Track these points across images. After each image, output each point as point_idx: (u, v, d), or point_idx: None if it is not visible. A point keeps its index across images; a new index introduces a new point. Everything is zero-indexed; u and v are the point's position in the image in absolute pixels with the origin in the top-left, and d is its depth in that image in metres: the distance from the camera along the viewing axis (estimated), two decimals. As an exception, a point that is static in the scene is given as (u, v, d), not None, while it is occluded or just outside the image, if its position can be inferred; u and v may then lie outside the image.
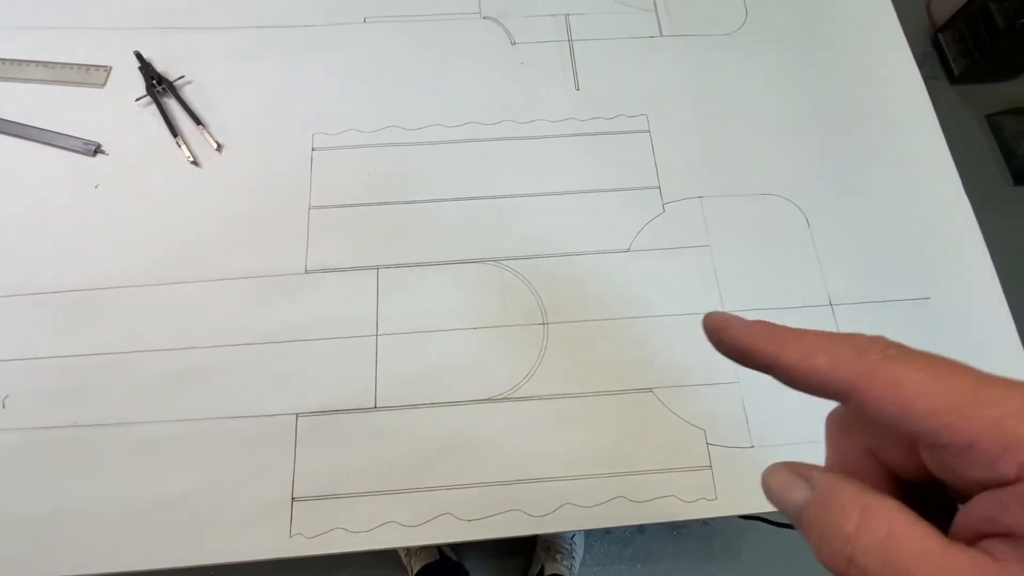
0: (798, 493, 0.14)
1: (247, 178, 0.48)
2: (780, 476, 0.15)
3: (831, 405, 0.44)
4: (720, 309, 0.43)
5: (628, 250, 0.47)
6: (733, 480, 0.41)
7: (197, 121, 0.49)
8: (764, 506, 0.40)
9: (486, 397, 0.42)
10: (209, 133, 0.49)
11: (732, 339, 0.16)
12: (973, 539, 0.12)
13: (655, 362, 0.44)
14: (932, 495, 0.14)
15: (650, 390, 0.43)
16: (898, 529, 0.12)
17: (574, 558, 0.99)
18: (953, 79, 1.43)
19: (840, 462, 0.16)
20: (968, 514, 0.12)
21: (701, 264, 0.46)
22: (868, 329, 0.41)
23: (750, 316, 0.43)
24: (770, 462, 0.41)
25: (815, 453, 0.41)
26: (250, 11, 0.54)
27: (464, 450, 0.41)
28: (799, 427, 0.42)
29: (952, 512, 0.13)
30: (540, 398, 0.42)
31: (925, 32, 1.48)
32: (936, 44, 1.47)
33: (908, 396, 0.12)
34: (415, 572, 0.94)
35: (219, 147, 0.49)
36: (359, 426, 0.41)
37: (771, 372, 0.15)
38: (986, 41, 1.35)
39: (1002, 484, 0.11)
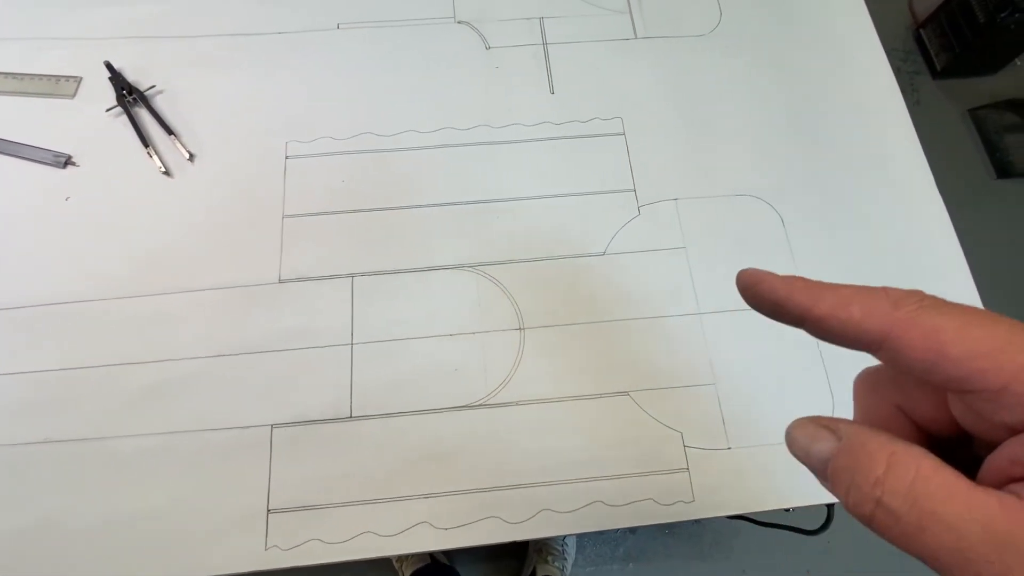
0: (825, 444, 0.14)
1: (220, 187, 0.48)
2: (806, 428, 0.15)
3: (812, 404, 0.44)
4: (696, 311, 0.43)
5: (604, 253, 0.47)
6: (710, 482, 0.41)
7: (169, 131, 0.49)
8: (741, 507, 0.40)
9: (463, 404, 0.42)
10: (181, 143, 0.49)
11: (767, 291, 0.16)
12: (1000, 483, 0.12)
13: (632, 365, 0.44)
14: (960, 450, 0.14)
15: (627, 393, 0.43)
16: (925, 472, 0.12)
17: (566, 559, 0.99)
18: (936, 74, 1.44)
19: (868, 420, 0.16)
20: (996, 459, 0.12)
21: (677, 266, 0.46)
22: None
23: (726, 317, 0.43)
24: (747, 464, 0.41)
25: (791, 455, 0.41)
26: (222, 19, 0.53)
27: (441, 458, 0.41)
28: (776, 428, 0.42)
29: (978, 467, 0.13)
30: (517, 404, 0.42)
31: (907, 28, 1.49)
32: (919, 39, 1.48)
33: (943, 342, 0.12)
34: (406, 577, 0.93)
35: (191, 157, 0.49)
36: (335, 436, 0.41)
37: (804, 325, 0.15)
38: (967, 36, 1.36)
39: None
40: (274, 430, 0.41)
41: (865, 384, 0.17)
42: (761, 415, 0.42)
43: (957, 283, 0.47)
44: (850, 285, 0.14)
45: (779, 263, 0.47)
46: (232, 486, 0.40)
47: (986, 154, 1.39)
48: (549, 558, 0.98)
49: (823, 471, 0.14)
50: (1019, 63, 1.48)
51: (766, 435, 0.42)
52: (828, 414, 0.41)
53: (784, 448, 0.41)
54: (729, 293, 0.46)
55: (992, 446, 0.13)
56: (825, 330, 0.14)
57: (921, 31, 1.47)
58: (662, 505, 0.40)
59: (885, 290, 0.14)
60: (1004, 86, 1.45)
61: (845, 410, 0.42)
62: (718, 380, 0.43)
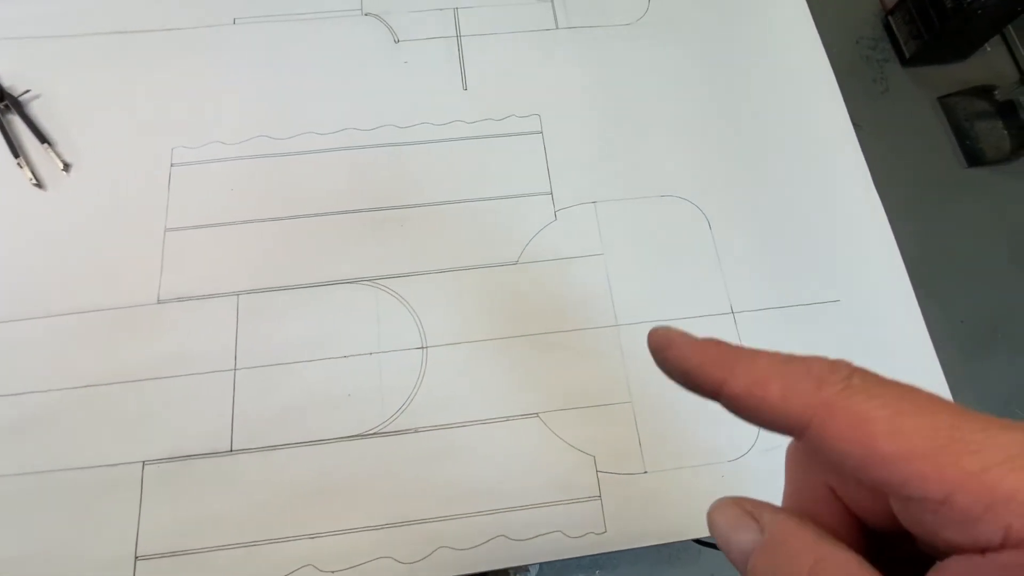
0: (746, 535, 0.13)
1: (96, 200, 0.44)
2: (727, 513, 0.14)
3: (734, 425, 0.41)
4: (614, 323, 0.40)
5: (516, 263, 0.43)
6: (624, 511, 0.38)
7: (43, 139, 0.45)
8: (658, 537, 0.37)
9: (355, 433, 0.39)
10: (56, 152, 0.45)
11: (675, 359, 0.14)
12: None
13: (542, 384, 0.40)
14: (902, 543, 0.13)
15: (536, 415, 0.39)
16: None
17: (528, 571, 0.96)
18: (905, 61, 1.41)
19: (797, 500, 0.15)
20: None
21: (594, 275, 0.43)
22: (772, 335, 0.38)
23: (645, 329, 0.40)
24: (665, 489, 0.38)
25: (712, 478, 0.38)
26: (105, 15, 0.49)
27: (329, 494, 0.37)
28: (696, 450, 0.39)
29: (926, 566, 0.11)
30: (415, 431, 0.39)
31: (876, 15, 1.47)
32: (887, 27, 1.45)
33: (872, 435, 0.10)
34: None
35: (66, 167, 0.44)
36: (213, 472, 0.37)
37: (718, 400, 0.13)
38: (935, 22, 1.33)
39: (983, 550, 0.09)
40: (146, 467, 0.37)
41: (795, 457, 0.15)
42: (681, 435, 0.39)
43: (894, 287, 0.44)
44: (772, 355, 0.13)
45: (705, 268, 0.43)
46: (96, 531, 0.36)
47: (956, 142, 1.37)
48: (511, 571, 0.95)
49: (743, 565, 0.13)
50: (989, 49, 1.45)
51: (685, 457, 0.39)
52: (753, 436, 0.37)
53: (705, 471, 0.38)
54: (649, 303, 0.42)
55: (941, 552, 0.11)
56: (741, 410, 0.13)
57: (890, 18, 1.44)
58: (571, 538, 0.37)
59: (809, 362, 0.12)
60: (974, 73, 1.42)
61: (767, 434, 0.39)
62: (635, 398, 0.40)
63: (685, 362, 0.14)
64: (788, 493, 0.15)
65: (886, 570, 0.11)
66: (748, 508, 0.13)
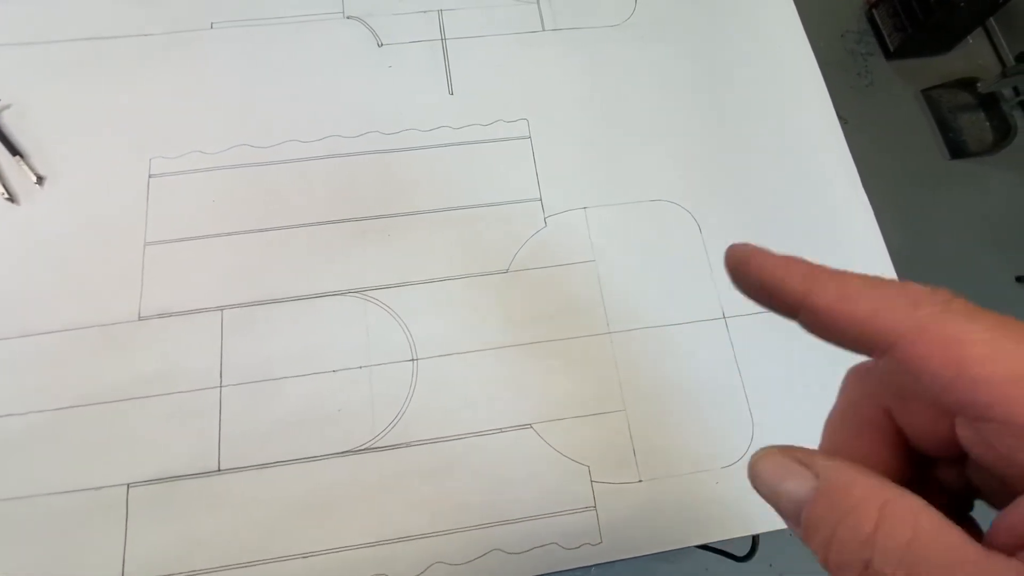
0: (799, 484, 0.12)
1: (72, 214, 0.42)
2: (775, 462, 0.13)
3: (729, 430, 0.41)
4: (606, 331, 0.40)
5: (507, 271, 0.43)
6: (620, 520, 0.37)
7: (14, 151, 0.43)
8: (653, 546, 0.37)
9: (346, 449, 0.38)
10: (28, 164, 0.43)
11: (757, 272, 0.14)
12: (1015, 546, 0.10)
13: (535, 394, 0.40)
14: (946, 470, 0.13)
15: (530, 426, 0.39)
16: (925, 532, 0.10)
17: None
18: (889, 54, 1.42)
19: (847, 419, 0.14)
20: (1011, 516, 0.10)
21: (586, 281, 0.43)
22: (764, 338, 0.38)
23: (637, 336, 0.40)
24: (659, 498, 0.38)
25: (706, 485, 0.38)
26: (77, 21, 0.47)
27: (321, 511, 0.37)
28: (690, 457, 0.39)
29: (968, 495, 0.12)
30: (408, 445, 0.38)
31: (860, 8, 1.47)
32: (871, 20, 1.46)
33: (965, 358, 0.10)
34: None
35: (40, 180, 0.43)
36: (201, 493, 0.37)
37: (798, 316, 0.13)
38: (918, 15, 1.34)
39: None
40: (131, 489, 0.36)
41: (857, 376, 0.15)
42: (674, 443, 0.39)
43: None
44: (861, 275, 0.13)
45: (696, 273, 0.43)
46: (80, 557, 0.35)
47: (940, 134, 1.38)
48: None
49: (795, 516, 0.12)
50: (971, 41, 1.47)
51: (679, 465, 0.39)
52: (747, 441, 0.37)
53: (700, 479, 0.37)
54: (641, 309, 0.42)
55: (997, 478, 0.11)
56: (822, 325, 0.13)
57: (874, 11, 1.44)
58: (567, 549, 0.37)
59: (904, 286, 0.12)
60: (956, 65, 1.43)
61: (766, 437, 0.39)
62: (628, 406, 0.40)
63: (767, 275, 0.14)
64: (838, 408, 0.15)
65: (927, 495, 0.11)
66: (798, 456, 0.13)
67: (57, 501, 0.36)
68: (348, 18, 0.49)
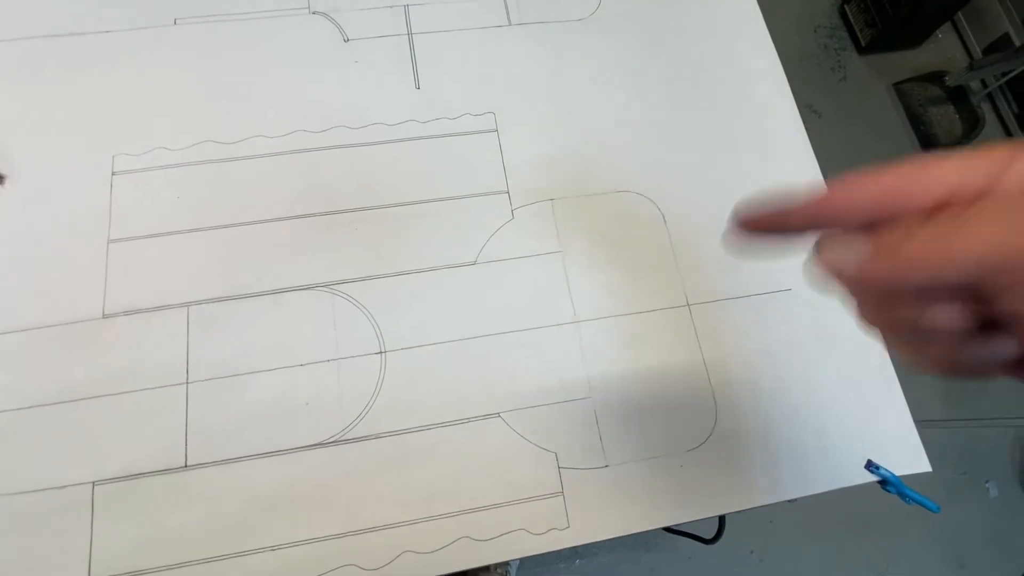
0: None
1: (34, 212, 0.42)
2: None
3: (695, 412, 0.42)
4: (573, 320, 0.40)
5: (475, 263, 0.43)
6: (587, 504, 0.38)
7: (-28, 149, 0.43)
8: (620, 529, 0.38)
9: (315, 442, 0.38)
10: (-13, 163, 0.43)
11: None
12: None
13: (503, 383, 0.40)
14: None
15: (497, 415, 0.40)
16: None
17: (509, 565, 0.97)
18: (861, 49, 1.45)
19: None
20: None
21: (552, 272, 0.43)
22: (726, 324, 0.39)
23: (603, 324, 0.40)
24: (626, 482, 0.38)
25: (670, 468, 0.38)
26: (36, 18, 0.47)
27: (289, 505, 0.37)
28: (655, 442, 0.40)
29: None
30: (376, 437, 0.38)
31: (832, 4, 1.50)
32: (843, 15, 1.48)
33: None
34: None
35: (1, 179, 0.42)
36: (167, 489, 0.36)
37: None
38: (888, 10, 1.36)
39: None
40: (96, 488, 0.36)
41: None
42: (640, 428, 0.40)
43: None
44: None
45: (660, 262, 0.44)
46: (46, 557, 0.35)
47: (911, 127, 1.41)
48: (491, 565, 0.95)
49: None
50: (940, 36, 1.50)
51: (645, 449, 0.39)
52: (710, 425, 0.38)
53: (665, 462, 0.38)
54: (606, 298, 0.43)
55: None
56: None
57: (845, 6, 1.47)
58: (534, 535, 0.37)
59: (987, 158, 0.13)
60: (927, 59, 1.47)
61: (729, 421, 0.40)
62: (594, 393, 0.40)
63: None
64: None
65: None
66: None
67: (22, 500, 0.36)
68: (314, 13, 0.49)
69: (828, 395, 0.41)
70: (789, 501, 0.40)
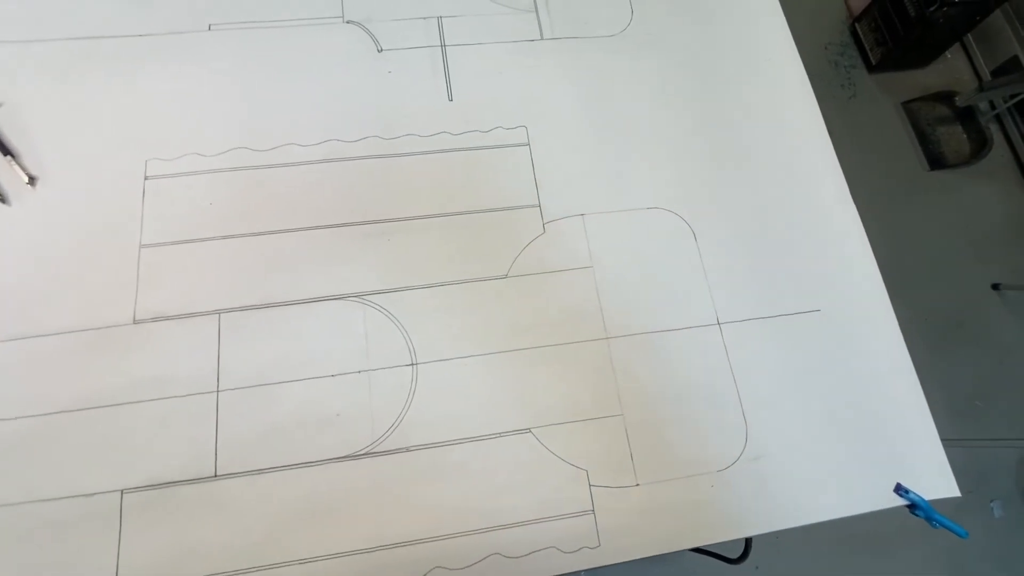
0: None
1: (66, 215, 0.42)
2: None
3: (723, 429, 0.41)
4: (604, 336, 0.40)
5: (506, 276, 0.43)
6: (617, 523, 0.38)
7: (5, 151, 0.43)
8: (649, 550, 0.38)
9: (345, 454, 0.38)
10: (20, 164, 0.42)
11: None
12: None
13: (535, 399, 0.40)
14: None
15: (529, 430, 0.39)
16: None
17: None
18: (871, 68, 1.46)
19: None
20: None
21: (584, 287, 0.43)
22: (757, 345, 0.39)
23: (634, 341, 0.40)
24: (656, 501, 0.38)
25: (701, 488, 0.38)
26: (72, 20, 0.47)
27: (318, 517, 0.36)
28: (685, 461, 0.39)
29: None
30: (407, 450, 0.38)
31: (844, 22, 1.51)
32: (854, 34, 1.50)
33: None
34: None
35: (32, 180, 0.42)
36: (196, 499, 0.36)
37: None
38: (899, 30, 1.38)
39: None
40: (124, 496, 0.36)
41: None
42: (670, 447, 0.40)
43: (872, 296, 0.45)
44: None
45: (691, 280, 0.44)
46: (73, 565, 0.34)
47: (919, 146, 1.42)
48: None
49: None
50: (949, 56, 1.51)
51: (675, 468, 0.39)
52: (741, 446, 0.38)
53: (695, 482, 0.38)
54: (638, 315, 0.43)
55: None
56: None
57: (856, 25, 1.48)
58: (565, 553, 0.37)
59: None
60: (935, 79, 1.48)
61: (759, 441, 0.40)
62: (626, 410, 0.40)
63: None
64: None
65: None
66: None
67: (50, 508, 0.35)
68: (347, 23, 0.49)
69: (858, 418, 0.41)
70: (815, 523, 0.40)
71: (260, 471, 0.37)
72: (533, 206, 0.45)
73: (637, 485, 0.39)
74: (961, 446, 1.16)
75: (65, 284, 0.40)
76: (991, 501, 1.18)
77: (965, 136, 1.43)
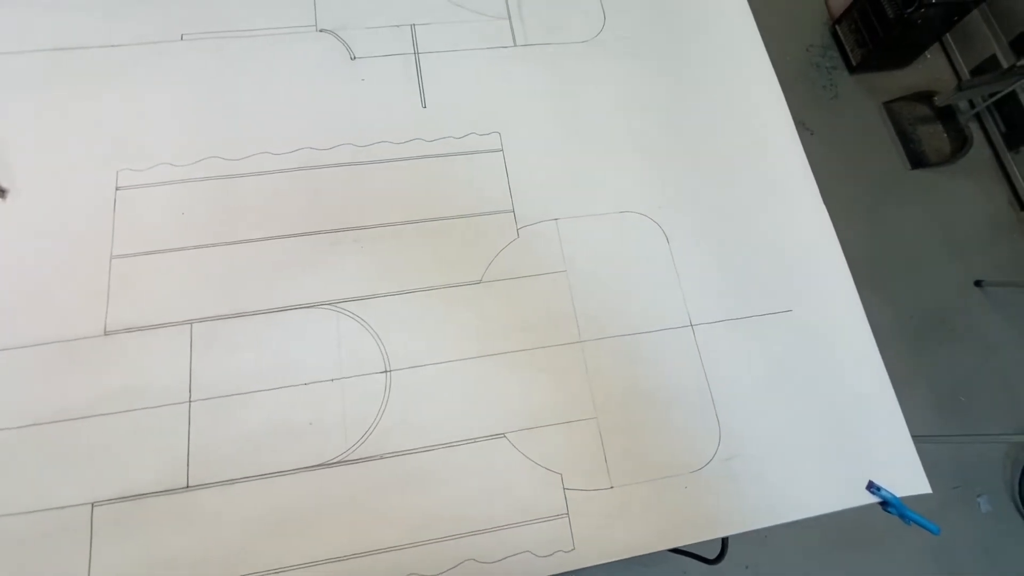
0: None
1: (36, 227, 0.41)
2: None
3: (698, 431, 0.41)
4: (578, 339, 0.40)
5: (480, 281, 0.43)
6: (592, 526, 0.38)
7: (-26, 163, 0.42)
8: (625, 551, 0.38)
9: (318, 463, 0.38)
10: (-11, 176, 0.42)
11: None
12: None
13: (509, 404, 0.40)
14: None
15: (503, 435, 0.39)
16: None
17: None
18: (852, 68, 1.48)
19: None
20: None
21: (558, 291, 0.43)
22: (729, 345, 0.39)
23: (607, 344, 0.40)
24: (630, 503, 0.39)
25: (675, 489, 0.38)
26: (42, 31, 0.47)
27: (292, 526, 0.36)
28: (659, 463, 0.40)
29: None
30: (380, 457, 0.38)
31: (824, 23, 1.53)
32: (835, 35, 1.51)
33: None
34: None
35: (2, 192, 0.42)
36: (168, 510, 0.36)
37: None
38: (879, 31, 1.39)
39: None
40: (95, 509, 0.36)
41: None
42: (644, 449, 0.40)
43: (843, 295, 0.46)
44: None
45: (664, 283, 0.44)
46: (41, 580, 0.34)
47: (901, 145, 1.44)
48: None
49: None
50: (929, 57, 1.53)
51: (649, 469, 0.39)
52: (714, 446, 0.39)
53: (669, 483, 0.39)
54: (611, 318, 0.43)
55: None
56: None
57: (837, 26, 1.50)
58: (540, 557, 0.37)
59: None
60: (916, 79, 1.50)
61: (733, 442, 0.40)
62: (599, 413, 0.40)
63: None
64: None
65: None
66: None
67: (18, 522, 0.35)
68: (320, 31, 0.50)
69: (829, 416, 0.42)
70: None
71: (233, 481, 0.37)
72: (507, 211, 0.45)
73: (611, 488, 0.39)
74: (947, 442, 1.17)
75: (35, 296, 0.40)
76: (978, 496, 1.19)
77: (946, 135, 1.44)
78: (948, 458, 1.17)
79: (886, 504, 0.40)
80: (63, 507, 0.36)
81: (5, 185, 0.42)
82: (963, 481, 1.21)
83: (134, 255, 0.41)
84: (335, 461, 0.38)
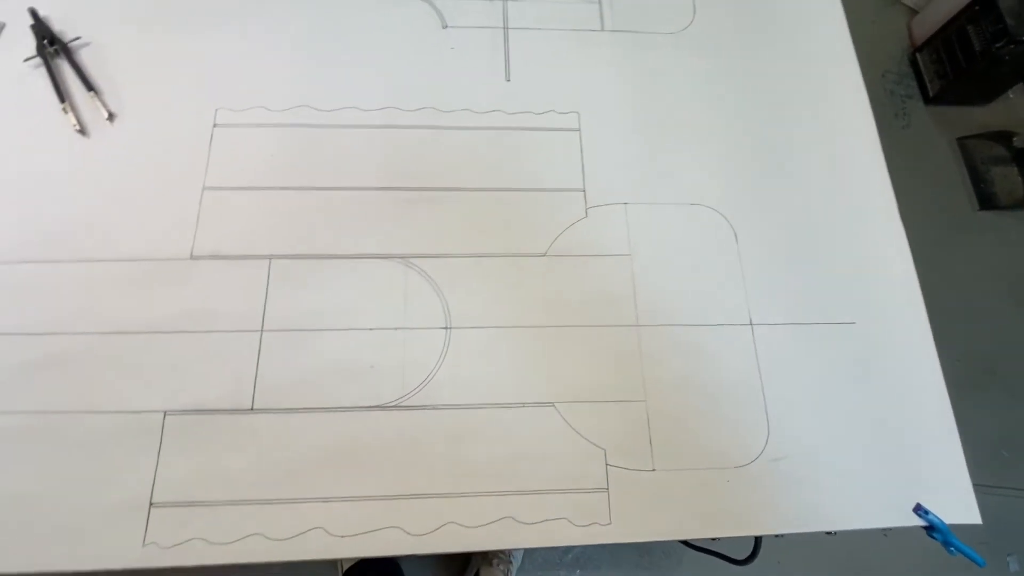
0: None
1: (138, 152, 0.44)
2: None
3: (745, 427, 0.41)
4: (635, 323, 0.41)
5: (545, 254, 0.44)
6: (630, 505, 0.38)
7: (89, 87, 0.45)
8: (659, 534, 0.38)
9: (375, 404, 0.39)
10: (101, 100, 0.45)
11: None
12: None
13: (561, 375, 0.41)
14: None
15: (552, 404, 0.40)
16: None
17: (511, 563, 0.97)
18: (928, 99, 1.42)
19: None
20: None
21: (620, 274, 0.44)
22: (788, 349, 0.39)
23: (664, 332, 0.41)
24: (670, 488, 0.39)
25: (717, 483, 0.39)
26: (159, -29, 0.49)
27: (343, 460, 0.38)
28: (705, 454, 0.40)
29: None
30: (433, 408, 0.39)
31: (904, 50, 1.48)
32: (914, 63, 1.46)
33: None
34: (344, 570, 0.91)
35: (111, 116, 0.45)
36: (232, 429, 0.38)
37: None
38: (962, 63, 1.34)
39: None
40: (167, 417, 0.38)
41: None
42: (691, 438, 0.40)
43: (910, 316, 0.45)
44: None
45: (727, 278, 0.44)
46: (113, 475, 0.37)
47: (971, 184, 1.38)
48: (495, 561, 0.95)
49: None
50: (1012, 96, 1.47)
51: (693, 458, 0.40)
52: (761, 445, 0.38)
53: (712, 475, 0.39)
54: (670, 307, 0.43)
55: None
56: None
57: (917, 54, 1.45)
58: (576, 526, 0.38)
59: None
60: (995, 118, 1.44)
61: (780, 443, 0.40)
62: (649, 397, 0.41)
63: None
64: None
65: None
66: None
67: (97, 420, 0.38)
68: (417, -2, 0.51)
69: (884, 434, 0.41)
70: (827, 533, 0.40)
71: (293, 410, 0.39)
72: (578, 190, 0.46)
73: (653, 471, 0.39)
74: (986, 493, 1.12)
75: (132, 215, 0.42)
76: (1008, 555, 1.14)
77: (1020, 178, 1.38)
78: (981, 511, 1.12)
79: (931, 529, 0.40)
80: (139, 411, 0.38)
81: (114, 110, 0.45)
82: (993, 537, 1.16)
83: (225, 188, 0.44)
84: (391, 405, 0.39)
